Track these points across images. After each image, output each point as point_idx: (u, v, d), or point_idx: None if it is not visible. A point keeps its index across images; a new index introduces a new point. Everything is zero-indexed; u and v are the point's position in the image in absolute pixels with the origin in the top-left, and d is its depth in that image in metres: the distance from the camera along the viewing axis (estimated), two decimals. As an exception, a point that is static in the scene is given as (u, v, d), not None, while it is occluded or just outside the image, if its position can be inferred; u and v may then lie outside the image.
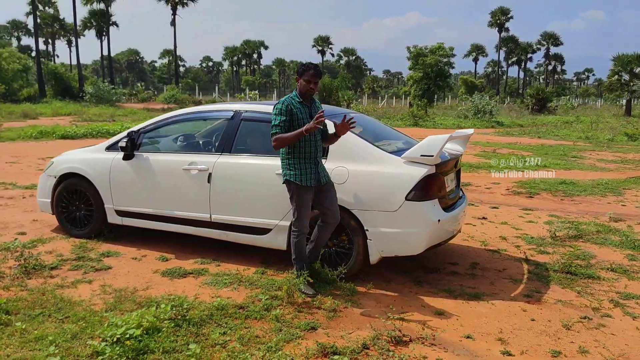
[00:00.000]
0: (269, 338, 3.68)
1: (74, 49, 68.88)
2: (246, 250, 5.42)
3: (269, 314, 4.03)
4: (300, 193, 4.37)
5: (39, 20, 64.17)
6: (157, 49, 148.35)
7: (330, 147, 4.85)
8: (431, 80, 38.64)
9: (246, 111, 5.35)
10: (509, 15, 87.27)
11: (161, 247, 5.68)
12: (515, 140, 20.07)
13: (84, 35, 66.59)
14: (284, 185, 4.48)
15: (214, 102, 34.76)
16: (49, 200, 6.07)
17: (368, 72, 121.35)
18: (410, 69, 42.72)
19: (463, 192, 5.79)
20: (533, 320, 4.19)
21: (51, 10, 68.08)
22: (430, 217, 4.60)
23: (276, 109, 4.36)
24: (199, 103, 41.69)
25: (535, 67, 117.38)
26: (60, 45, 79.65)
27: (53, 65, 43.02)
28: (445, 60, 41.65)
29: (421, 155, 4.62)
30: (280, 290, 4.40)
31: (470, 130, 5.83)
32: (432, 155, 4.58)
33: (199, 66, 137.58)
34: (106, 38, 59.29)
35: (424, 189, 4.61)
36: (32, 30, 69.11)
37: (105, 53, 63.10)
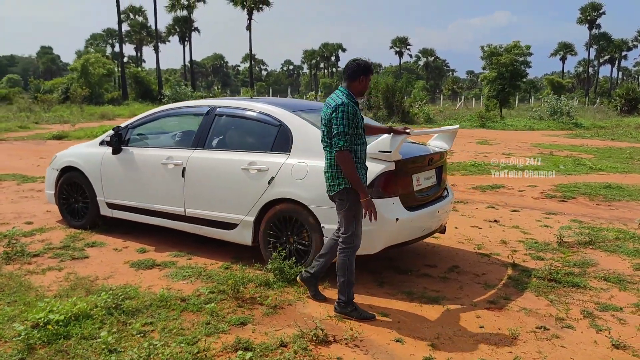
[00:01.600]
0: (192, 331, 3.69)
1: (160, 54, 72.63)
2: (225, 246, 5.45)
3: (206, 308, 4.04)
4: (358, 201, 3.92)
5: (128, 28, 68.39)
6: (240, 53, 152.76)
7: (294, 142, 4.81)
8: (505, 81, 37.23)
9: (219, 107, 5.41)
10: (600, 11, 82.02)
11: (146, 240, 5.86)
12: (583, 142, 18.83)
13: (168, 41, 70.08)
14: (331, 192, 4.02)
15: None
16: (53, 192, 6.44)
17: (450, 73, 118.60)
18: (484, 68, 41.22)
19: (448, 190, 5.51)
20: (481, 327, 3.92)
21: (140, 19, 72.12)
22: (386, 216, 4.42)
23: (341, 111, 3.81)
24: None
25: (635, 66, 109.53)
26: (148, 51, 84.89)
27: (135, 70, 45.59)
28: (522, 59, 39.78)
29: (379, 152, 4.47)
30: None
31: (455, 127, 5.57)
32: (390, 152, 4.41)
33: (280, 70, 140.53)
34: (188, 43, 61.91)
35: (381, 186, 4.45)
36: (131, 38, 73.83)
37: (188, 58, 65.86)
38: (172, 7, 60.44)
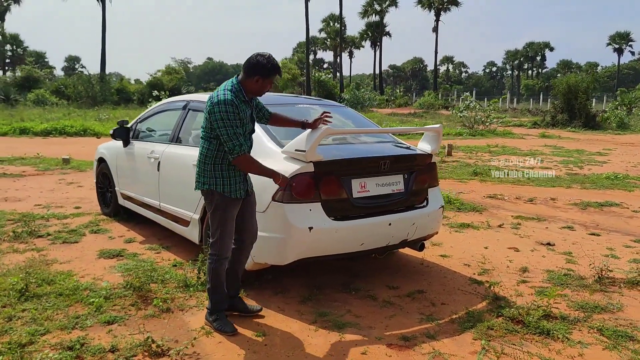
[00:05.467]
0: (54, 323, 3.63)
1: (354, 59, 75.04)
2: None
3: (97, 301, 3.99)
4: (227, 207, 3.52)
5: (324, 35, 72.13)
6: (438, 56, 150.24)
7: None
8: None
9: (193, 101, 5.32)
10: None
11: (150, 232, 6.04)
12: None
13: (362, 47, 72.15)
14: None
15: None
16: (95, 181, 7.04)
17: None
18: None
19: (429, 200, 4.64)
20: (351, 366, 3.21)
21: (338, 25, 75.59)
22: (296, 224, 3.88)
23: (218, 112, 3.31)
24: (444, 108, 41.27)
25: None
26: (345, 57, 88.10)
27: (319, 74, 47.80)
28: None
29: (295, 150, 3.95)
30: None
31: (437, 126, 4.67)
32: (304, 151, 3.86)
33: (482, 72, 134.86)
34: (379, 48, 63.08)
35: (294, 190, 3.91)
36: (327, 45, 78.18)
37: (379, 62, 67.09)
38: (364, 13, 62.39)
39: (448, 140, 19.09)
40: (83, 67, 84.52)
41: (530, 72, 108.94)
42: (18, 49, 68.21)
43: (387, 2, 60.19)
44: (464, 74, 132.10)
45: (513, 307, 3.99)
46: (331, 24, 74.04)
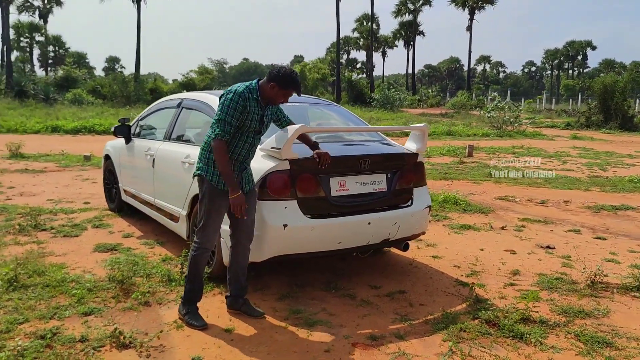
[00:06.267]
0: (32, 313, 3.76)
1: (387, 59, 74.45)
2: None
3: (79, 293, 4.09)
4: (214, 197, 3.55)
5: (357, 34, 71.98)
6: (474, 56, 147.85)
7: None
8: None
9: (186, 99, 5.41)
10: None
11: (146, 227, 6.16)
12: None
13: (396, 46, 71.71)
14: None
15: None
16: (103, 177, 7.23)
17: None
18: None
19: (414, 199, 4.59)
20: (310, 363, 3.22)
21: (372, 25, 75.28)
22: (270, 221, 3.90)
23: (228, 99, 3.43)
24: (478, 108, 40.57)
25: None
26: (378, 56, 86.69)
27: (349, 75, 47.79)
28: None
29: (271, 148, 3.97)
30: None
31: (421, 125, 4.62)
32: (279, 148, 3.88)
33: (521, 72, 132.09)
34: (412, 47, 62.58)
35: (269, 187, 3.94)
36: (360, 44, 78.02)
37: (411, 62, 66.56)
38: (398, 12, 61.99)
39: (473, 141, 18.81)
40: (123, 67, 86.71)
41: (570, 71, 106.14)
42: (60, 50, 70.48)
43: (421, 1, 59.73)
44: (501, 74, 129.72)
45: (490, 310, 3.92)
46: (364, 24, 73.72)
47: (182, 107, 5.37)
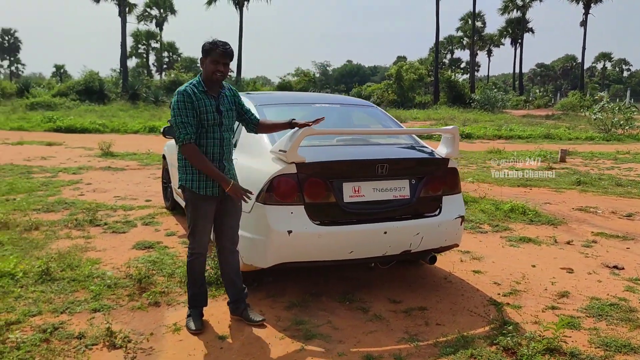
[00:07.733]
0: (48, 306, 3.90)
1: (493, 58, 71.16)
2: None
3: (96, 289, 4.19)
4: (197, 204, 3.49)
5: (461, 33, 69.70)
6: (592, 53, 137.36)
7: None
8: None
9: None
10: None
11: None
12: None
13: (502, 44, 68.59)
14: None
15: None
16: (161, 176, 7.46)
17: None
18: None
19: (442, 208, 4.21)
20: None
21: (478, 23, 72.51)
22: (275, 227, 3.74)
23: (175, 101, 3.35)
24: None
25: None
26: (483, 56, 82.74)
27: (448, 75, 46.17)
28: None
29: (279, 151, 3.82)
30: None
31: (451, 127, 4.23)
32: (285, 151, 3.73)
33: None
34: (520, 45, 59.52)
35: (275, 191, 3.79)
36: (464, 44, 75.61)
37: (518, 60, 63.28)
38: (504, 9, 59.15)
39: (573, 145, 17.40)
40: (231, 71, 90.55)
41: None
42: (174, 56, 75.07)
43: (530, -3, 56.57)
44: (625, 72, 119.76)
45: (514, 336, 3.48)
46: (468, 22, 71.09)
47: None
